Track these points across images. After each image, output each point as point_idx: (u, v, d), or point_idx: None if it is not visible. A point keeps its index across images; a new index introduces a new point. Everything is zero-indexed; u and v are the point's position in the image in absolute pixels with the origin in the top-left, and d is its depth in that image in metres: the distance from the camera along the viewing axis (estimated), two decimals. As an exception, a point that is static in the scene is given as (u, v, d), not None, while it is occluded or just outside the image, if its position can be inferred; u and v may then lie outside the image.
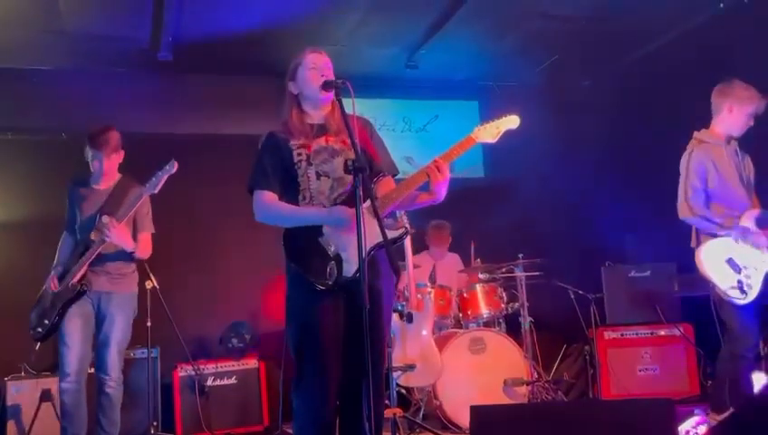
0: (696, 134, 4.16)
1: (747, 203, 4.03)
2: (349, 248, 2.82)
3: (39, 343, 4.21)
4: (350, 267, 2.82)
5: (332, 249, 2.85)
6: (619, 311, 5.62)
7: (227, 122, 6.27)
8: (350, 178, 2.83)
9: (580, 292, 5.67)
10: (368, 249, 2.73)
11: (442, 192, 2.95)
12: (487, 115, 7.56)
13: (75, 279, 3.97)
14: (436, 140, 7.08)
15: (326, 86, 2.91)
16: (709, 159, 4.04)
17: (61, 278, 4.03)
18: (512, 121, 3.06)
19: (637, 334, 5.53)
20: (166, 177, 3.97)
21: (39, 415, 4.75)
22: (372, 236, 2.72)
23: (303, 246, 2.87)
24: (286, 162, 2.96)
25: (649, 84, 6.44)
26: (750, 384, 3.95)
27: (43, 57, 5.82)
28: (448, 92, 7.08)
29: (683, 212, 4.04)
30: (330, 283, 2.81)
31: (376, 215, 2.66)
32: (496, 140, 3.03)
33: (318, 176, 2.94)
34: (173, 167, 3.96)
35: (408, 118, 7.06)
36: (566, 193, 6.50)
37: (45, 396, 4.79)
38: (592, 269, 5.81)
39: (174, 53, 5.66)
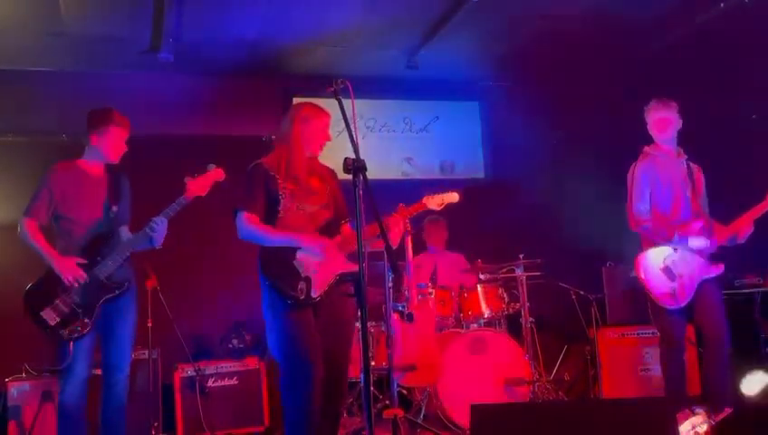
0: (644, 148, 4.44)
1: (689, 213, 4.25)
2: (318, 273, 3.31)
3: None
4: (318, 289, 3.31)
5: (303, 272, 3.31)
6: (620, 311, 5.62)
7: (228, 123, 6.28)
8: (321, 213, 3.44)
9: (581, 292, 5.67)
10: (331, 279, 3.32)
11: (397, 241, 3.45)
12: (488, 115, 7.64)
13: (105, 275, 3.73)
14: (437, 141, 7.09)
15: (325, 86, 2.97)
16: (652, 169, 4.32)
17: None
18: (453, 198, 3.67)
19: (638, 335, 5.51)
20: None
21: (40, 416, 4.75)
22: (336, 267, 3.33)
23: (280, 264, 3.31)
24: (272, 191, 3.39)
25: (650, 84, 6.43)
26: (680, 377, 4.22)
27: (44, 59, 5.83)
28: (449, 93, 7.08)
29: (629, 224, 4.35)
30: (300, 298, 3.26)
31: (378, 223, 2.89)
32: (440, 209, 3.66)
33: (297, 209, 3.40)
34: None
35: (408, 118, 7.07)
36: (567, 193, 6.50)
37: (46, 397, 4.79)
38: (593, 269, 5.81)
39: (175, 55, 5.67)
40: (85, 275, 3.70)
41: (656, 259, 4.26)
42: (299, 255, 3.32)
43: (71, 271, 3.69)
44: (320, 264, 3.32)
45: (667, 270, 4.20)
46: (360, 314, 2.71)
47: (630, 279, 5.61)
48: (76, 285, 3.70)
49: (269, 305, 3.34)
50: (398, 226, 3.42)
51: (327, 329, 3.32)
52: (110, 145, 3.96)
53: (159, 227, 3.76)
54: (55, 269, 3.70)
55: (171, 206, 3.81)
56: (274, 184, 3.38)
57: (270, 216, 3.39)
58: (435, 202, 3.61)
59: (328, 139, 3.53)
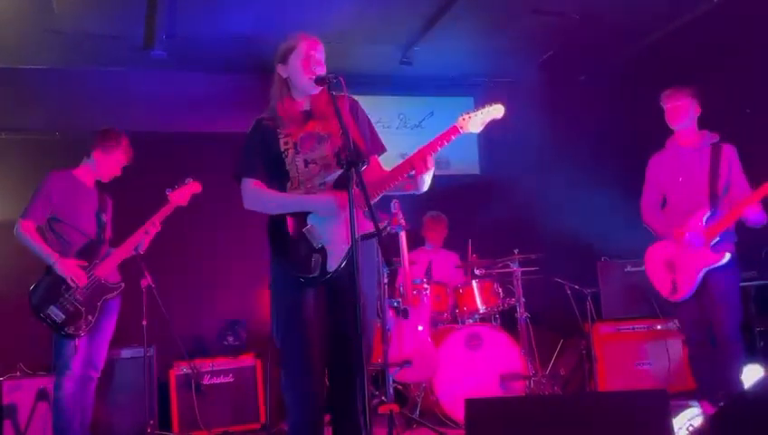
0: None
1: (706, 202, 4.11)
2: (333, 241, 2.84)
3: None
4: (334, 261, 2.83)
5: (317, 242, 2.85)
6: (615, 306, 5.63)
7: (222, 120, 6.25)
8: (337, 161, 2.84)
9: (577, 287, 5.67)
10: (347, 251, 2.81)
11: (426, 183, 2.96)
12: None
13: (103, 275, 4.05)
14: (432, 137, 7.06)
15: (319, 81, 2.88)
16: (662, 162, 4.32)
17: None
18: (496, 111, 2.98)
19: (633, 329, 5.53)
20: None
21: (35, 414, 4.74)
22: (356, 227, 2.70)
23: (288, 237, 2.87)
24: (273, 150, 2.96)
25: (645, 79, 6.44)
26: (703, 370, 4.18)
27: (37, 56, 5.80)
28: (444, 89, 7.07)
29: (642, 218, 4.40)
30: (314, 275, 2.82)
31: (368, 206, 2.63)
32: (480, 129, 2.99)
33: (306, 163, 2.94)
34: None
35: (403, 114, 7.05)
36: (561, 188, 6.51)
37: (41, 396, 4.77)
38: (588, 264, 5.81)
39: (168, 51, 5.65)
40: (85, 277, 3.97)
41: (659, 252, 4.26)
42: (309, 221, 2.88)
43: (72, 271, 3.94)
44: (334, 228, 2.83)
45: (669, 263, 4.18)
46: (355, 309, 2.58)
47: (625, 274, 5.66)
48: (80, 284, 3.94)
49: (275, 282, 2.94)
50: (424, 162, 2.88)
51: (345, 307, 2.80)
52: (109, 166, 4.22)
53: (153, 233, 4.15)
54: (57, 270, 3.95)
55: (154, 216, 4.20)
56: (275, 139, 2.95)
57: (278, 176, 2.96)
58: (475, 123, 2.94)
59: (320, 63, 2.97)
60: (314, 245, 2.85)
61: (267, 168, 2.97)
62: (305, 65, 2.95)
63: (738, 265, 4.12)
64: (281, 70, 3.03)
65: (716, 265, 4.01)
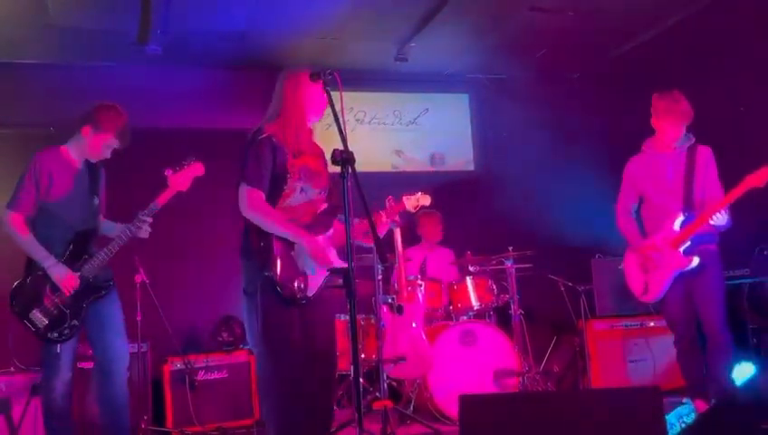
0: (642, 145, 4.33)
1: (680, 206, 4.08)
2: (314, 269, 3.12)
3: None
4: (314, 285, 3.12)
5: (301, 266, 3.10)
6: (609, 303, 5.65)
7: (217, 116, 6.25)
8: (319, 200, 3.24)
9: (570, 284, 5.69)
10: (324, 275, 3.12)
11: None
12: (478, 108, 7.64)
13: (92, 275, 3.72)
14: (427, 133, 7.09)
15: (314, 77, 2.93)
16: (641, 166, 4.26)
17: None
18: (425, 200, 3.69)
19: (626, 326, 5.56)
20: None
21: (29, 409, 4.72)
22: (329, 262, 3.13)
23: (278, 253, 3.07)
24: (280, 166, 3.14)
25: (639, 76, 6.46)
26: (692, 368, 4.18)
27: (31, 51, 5.78)
28: (439, 85, 7.07)
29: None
30: (298, 296, 3.08)
31: (373, 232, 2.82)
32: (414, 210, 3.67)
33: (301, 190, 3.19)
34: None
35: (398, 111, 7.05)
36: (556, 185, 6.52)
37: (35, 391, 4.75)
38: (582, 262, 5.83)
39: (163, 46, 5.64)
40: (77, 283, 3.67)
41: (634, 253, 4.28)
42: (297, 247, 3.11)
43: (68, 281, 3.65)
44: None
45: (642, 264, 4.19)
46: (349, 306, 2.62)
47: (619, 271, 5.67)
48: (71, 292, 3.65)
49: (258, 294, 3.07)
50: (382, 224, 3.43)
51: (316, 327, 3.14)
52: (98, 148, 3.82)
53: (145, 224, 3.79)
54: (51, 275, 3.65)
55: (153, 204, 3.81)
56: (283, 158, 3.14)
57: (273, 192, 3.14)
58: (411, 203, 3.64)
59: (326, 104, 3.12)
60: (299, 268, 3.09)
61: (270, 181, 3.14)
62: (324, 107, 3.19)
63: (720, 262, 4.12)
64: (305, 94, 3.21)
65: (685, 269, 4.01)
